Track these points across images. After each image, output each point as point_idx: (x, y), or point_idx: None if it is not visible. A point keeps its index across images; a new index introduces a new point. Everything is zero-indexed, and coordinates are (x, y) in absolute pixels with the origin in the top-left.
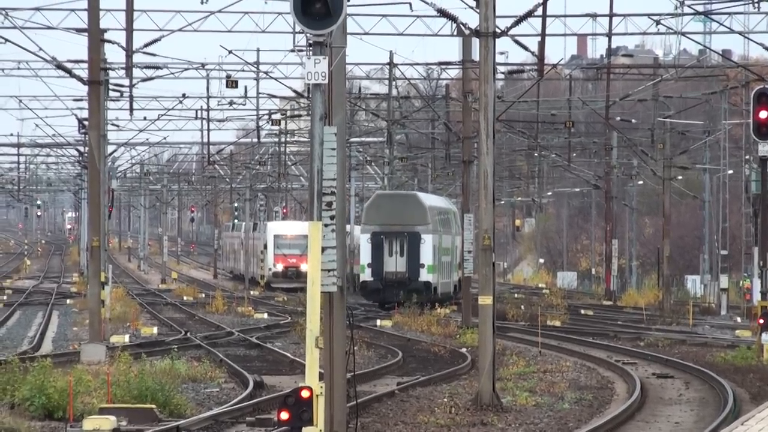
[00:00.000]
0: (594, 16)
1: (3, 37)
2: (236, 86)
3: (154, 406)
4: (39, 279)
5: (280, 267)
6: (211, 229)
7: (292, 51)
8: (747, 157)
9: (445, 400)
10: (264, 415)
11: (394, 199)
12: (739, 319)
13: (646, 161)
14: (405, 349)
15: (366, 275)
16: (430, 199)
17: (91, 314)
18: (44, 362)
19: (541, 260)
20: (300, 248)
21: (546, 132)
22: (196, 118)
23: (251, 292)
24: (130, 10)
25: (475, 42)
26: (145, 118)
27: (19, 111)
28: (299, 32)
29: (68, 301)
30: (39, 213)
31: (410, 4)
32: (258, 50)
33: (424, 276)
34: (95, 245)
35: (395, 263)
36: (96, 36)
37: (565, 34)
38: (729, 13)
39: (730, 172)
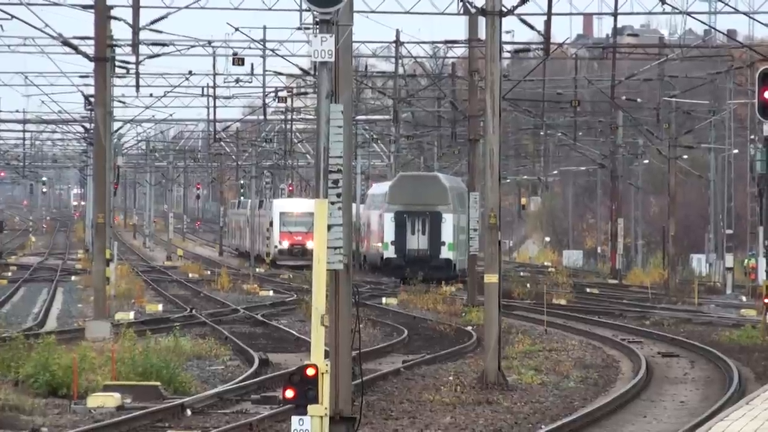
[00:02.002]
0: None
1: (9, 13)
2: (243, 64)
3: (158, 383)
4: (44, 256)
5: (285, 244)
6: (216, 206)
7: (299, 29)
8: (752, 136)
9: (451, 378)
10: (269, 393)
11: (416, 180)
12: (744, 299)
13: (651, 140)
14: (410, 327)
15: (389, 252)
16: (449, 180)
17: (96, 291)
18: (49, 339)
19: (547, 239)
20: (306, 225)
21: (552, 111)
22: (203, 95)
23: (257, 270)
24: None
25: (482, 21)
26: (151, 95)
27: (25, 87)
28: (306, 10)
29: (73, 277)
30: (44, 190)
31: None
32: (264, 28)
33: (445, 253)
34: (100, 222)
35: (417, 241)
36: (102, 12)
37: (571, 14)
38: None
39: (736, 151)
